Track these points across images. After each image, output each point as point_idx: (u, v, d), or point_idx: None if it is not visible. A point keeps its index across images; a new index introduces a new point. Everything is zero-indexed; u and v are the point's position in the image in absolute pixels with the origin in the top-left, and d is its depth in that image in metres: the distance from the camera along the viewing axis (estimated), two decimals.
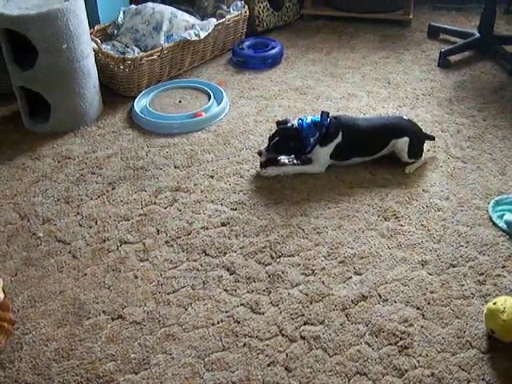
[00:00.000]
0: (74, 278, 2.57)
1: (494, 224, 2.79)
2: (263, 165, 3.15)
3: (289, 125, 3.12)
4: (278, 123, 3.18)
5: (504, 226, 2.75)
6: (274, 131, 3.16)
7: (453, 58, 4.23)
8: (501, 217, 2.80)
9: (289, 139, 3.08)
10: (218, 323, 2.35)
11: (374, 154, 3.18)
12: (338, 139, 3.08)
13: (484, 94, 3.81)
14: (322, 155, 3.11)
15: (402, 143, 3.11)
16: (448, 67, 4.16)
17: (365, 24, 4.83)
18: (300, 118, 3.13)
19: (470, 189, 3.01)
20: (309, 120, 3.10)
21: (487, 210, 2.86)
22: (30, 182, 3.13)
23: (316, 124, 3.07)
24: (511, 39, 4.45)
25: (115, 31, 4.21)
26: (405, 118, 3.28)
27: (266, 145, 3.15)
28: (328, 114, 3.10)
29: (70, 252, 2.70)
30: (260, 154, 3.14)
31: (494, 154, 3.25)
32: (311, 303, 2.42)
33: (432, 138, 3.27)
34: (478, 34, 4.26)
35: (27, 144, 3.43)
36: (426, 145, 3.22)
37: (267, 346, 2.25)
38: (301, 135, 3.07)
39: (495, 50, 4.22)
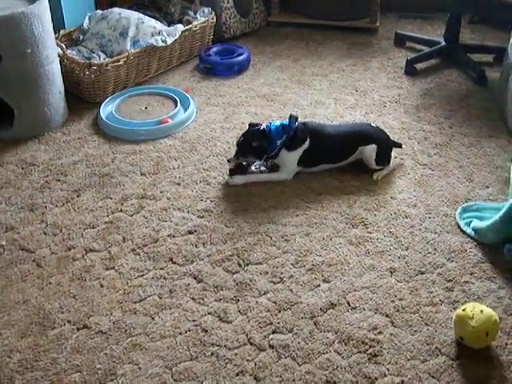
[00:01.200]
0: (39, 287, 2.52)
1: (462, 231, 2.79)
2: (231, 173, 3.13)
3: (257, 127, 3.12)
4: (251, 125, 3.15)
5: (472, 233, 2.76)
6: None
7: (419, 66, 4.25)
8: (468, 224, 2.81)
9: (254, 140, 3.06)
10: (186, 332, 2.31)
11: (342, 160, 3.17)
12: (306, 145, 3.08)
13: (450, 102, 3.84)
14: (290, 161, 3.10)
15: (370, 150, 3.11)
16: (415, 75, 4.18)
17: (332, 31, 4.83)
18: (269, 122, 3.13)
19: (438, 196, 3.01)
20: (277, 123, 3.10)
21: (455, 217, 2.87)
22: None
23: (284, 127, 3.07)
24: (476, 48, 4.50)
25: (81, 36, 4.15)
26: (372, 124, 3.28)
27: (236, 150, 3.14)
28: (296, 117, 3.10)
29: (34, 260, 2.65)
30: (229, 161, 3.14)
31: (461, 161, 3.27)
32: (279, 311, 2.40)
33: (399, 146, 3.27)
34: (443, 43, 4.29)
35: None
36: (394, 152, 3.22)
37: (235, 355, 2.22)
38: (267, 137, 3.06)
39: (461, 59, 4.25)
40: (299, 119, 3.13)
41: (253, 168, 3.18)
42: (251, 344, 2.27)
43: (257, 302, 2.43)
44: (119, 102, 3.77)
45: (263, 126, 3.09)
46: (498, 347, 2.26)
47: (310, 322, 2.35)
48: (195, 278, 2.55)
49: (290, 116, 3.09)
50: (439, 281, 2.53)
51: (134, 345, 2.26)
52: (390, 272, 2.58)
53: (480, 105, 3.81)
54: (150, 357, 2.22)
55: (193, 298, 2.46)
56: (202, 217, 2.89)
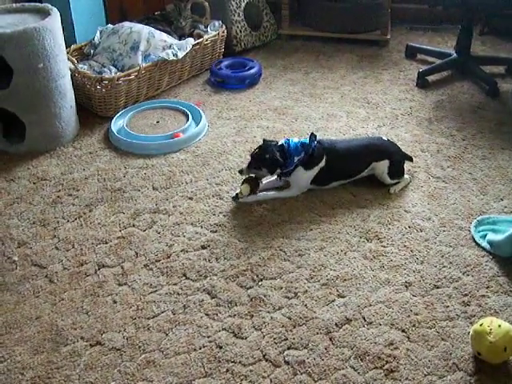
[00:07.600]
0: (51, 303, 2.50)
1: (477, 244, 2.77)
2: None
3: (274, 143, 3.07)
4: (265, 141, 3.09)
5: (487, 246, 2.73)
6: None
7: (431, 78, 4.24)
8: (483, 237, 2.78)
9: (271, 152, 2.99)
10: (200, 348, 2.29)
11: (354, 176, 3.15)
12: (322, 163, 3.04)
13: (463, 114, 3.82)
14: (304, 179, 3.07)
15: (383, 166, 3.09)
16: (426, 87, 4.17)
17: (342, 44, 4.84)
18: (288, 139, 3.08)
19: (452, 209, 2.99)
20: (296, 140, 3.06)
21: (469, 230, 2.85)
22: (4, 204, 3.06)
23: (303, 145, 3.02)
24: (488, 59, 4.49)
25: (92, 51, 4.17)
26: (383, 138, 3.26)
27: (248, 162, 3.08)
28: (316, 136, 3.05)
29: (46, 276, 2.63)
30: (241, 172, 3.07)
31: (475, 174, 3.24)
32: (294, 327, 2.37)
33: (410, 159, 3.25)
34: (455, 55, 4.28)
35: (2, 165, 3.37)
36: (407, 165, 3.20)
37: (251, 371, 2.20)
38: (285, 152, 3.01)
39: (473, 70, 4.24)
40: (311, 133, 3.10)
41: (264, 181, 3.14)
42: (266, 360, 2.24)
43: (271, 318, 2.41)
44: (130, 116, 3.77)
45: (281, 142, 3.05)
46: None
47: (325, 337, 2.33)
48: (209, 294, 2.53)
49: (311, 134, 3.04)
50: (455, 295, 2.51)
51: (148, 361, 2.24)
52: (406, 286, 2.55)
53: (492, 117, 3.79)
54: (164, 373, 2.20)
55: (207, 314, 2.44)
56: (215, 231, 2.88)
